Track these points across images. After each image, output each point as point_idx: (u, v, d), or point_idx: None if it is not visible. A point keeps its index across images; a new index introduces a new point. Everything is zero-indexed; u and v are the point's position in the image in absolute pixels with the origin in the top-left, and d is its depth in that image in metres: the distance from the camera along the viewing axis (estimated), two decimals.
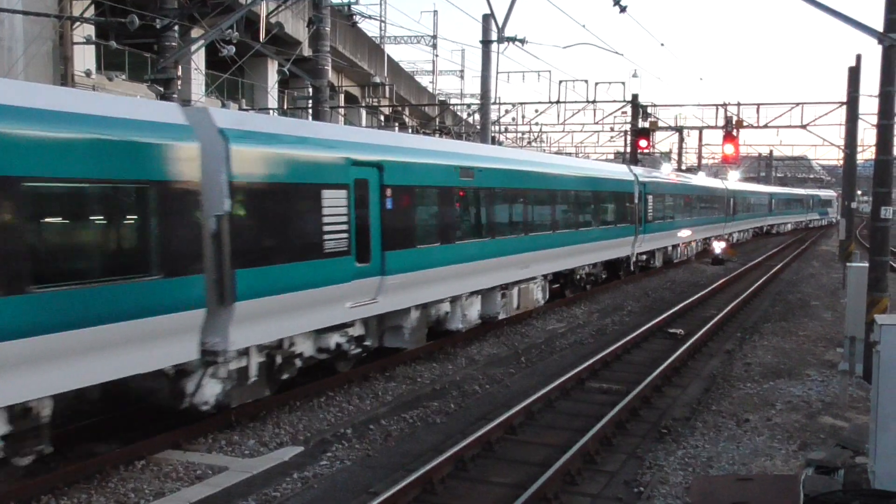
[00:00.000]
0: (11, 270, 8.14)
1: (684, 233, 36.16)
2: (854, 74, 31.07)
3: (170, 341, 10.01)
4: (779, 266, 37.35)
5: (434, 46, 68.82)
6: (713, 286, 28.28)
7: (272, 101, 35.83)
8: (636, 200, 28.56)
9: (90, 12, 21.30)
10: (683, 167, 51.87)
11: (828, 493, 7.96)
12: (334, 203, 12.65)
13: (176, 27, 17.62)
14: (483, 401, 13.31)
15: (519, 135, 54.33)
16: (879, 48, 13.63)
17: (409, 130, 50.43)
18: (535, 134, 53.61)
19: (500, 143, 47.37)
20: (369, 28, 68.77)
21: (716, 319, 20.68)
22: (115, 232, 9.49)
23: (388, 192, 14.13)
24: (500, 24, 24.75)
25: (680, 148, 54.75)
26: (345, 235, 12.89)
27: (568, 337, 19.04)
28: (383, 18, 54.51)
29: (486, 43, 25.44)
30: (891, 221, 14.19)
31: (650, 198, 30.11)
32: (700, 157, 63.08)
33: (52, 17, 20.76)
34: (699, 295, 25.71)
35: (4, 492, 8.77)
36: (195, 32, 24.35)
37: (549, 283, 22.27)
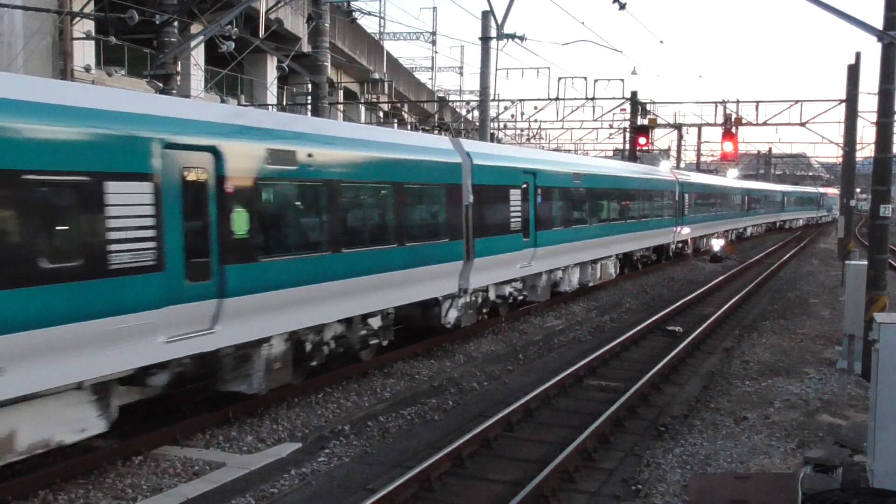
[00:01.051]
0: (396, 230, 14.41)
1: (711, 226, 43.08)
2: (853, 72, 31.10)
3: (448, 280, 16.43)
4: (777, 263, 37.36)
5: (433, 43, 68.85)
6: (712, 283, 28.29)
7: (271, 98, 35.79)
8: (676, 198, 34.79)
9: (90, 8, 21.24)
10: (682, 165, 51.88)
11: (826, 492, 7.95)
12: (517, 198, 19.04)
13: (175, 23, 17.58)
14: (481, 398, 13.30)
15: (518, 131, 54.31)
16: (879, 46, 13.62)
17: (408, 127, 50.41)
18: (535, 131, 53.57)
19: (499, 140, 47.35)
20: (368, 24, 68.56)
21: (714, 317, 20.69)
22: (432, 213, 15.92)
23: (539, 191, 20.33)
24: (499, 21, 24.73)
25: (679, 145, 54.76)
26: (519, 219, 19.11)
27: (566, 334, 19.04)
28: (382, 15, 54.50)
29: (485, 39, 25.41)
30: (890, 219, 14.19)
31: (686, 196, 36.29)
32: (699, 154, 63.15)
33: (52, 13, 20.72)
34: (698, 292, 25.72)
35: (2, 487, 8.76)
36: (194, 28, 24.30)
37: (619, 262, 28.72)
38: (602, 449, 10.76)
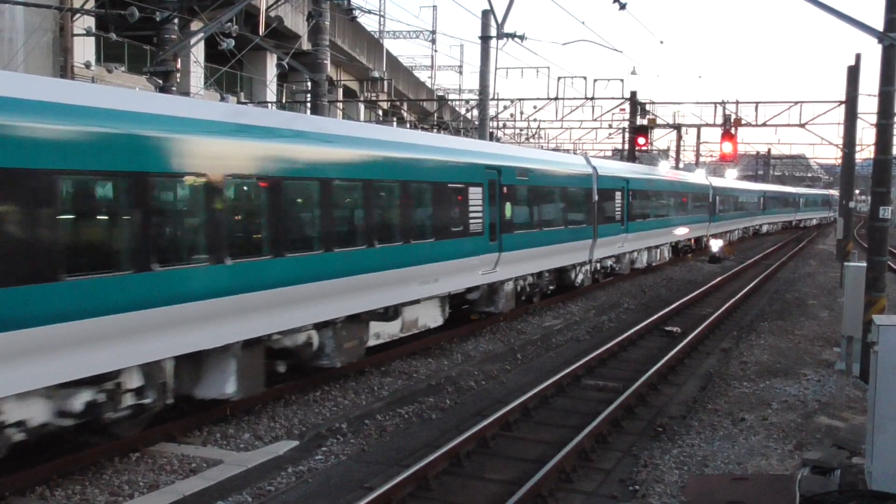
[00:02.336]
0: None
1: (735, 223, 51.64)
2: (853, 73, 31.09)
3: (583, 252, 24.03)
4: (776, 265, 37.36)
5: (433, 42, 68.84)
6: (710, 284, 28.30)
7: (271, 95, 35.75)
8: (710, 199, 42.31)
9: (90, 4, 21.21)
10: (681, 165, 51.93)
11: (824, 494, 7.95)
12: (619, 198, 27.12)
13: (175, 20, 17.56)
14: (479, 397, 13.29)
15: (517, 131, 54.29)
16: (879, 47, 13.62)
17: (407, 126, 50.36)
18: (534, 130, 53.57)
19: (499, 140, 47.33)
20: (368, 23, 68.58)
21: (712, 318, 20.68)
22: (580, 207, 23.42)
23: (632, 194, 28.44)
24: (499, 20, 24.71)
25: (678, 146, 54.70)
26: (619, 213, 27.11)
27: (564, 334, 19.03)
28: (382, 13, 54.47)
29: (485, 39, 25.40)
30: (889, 221, 14.19)
31: (717, 198, 44.24)
32: (698, 154, 63.11)
33: (53, 9, 20.68)
34: (696, 293, 25.72)
35: (0, 483, 8.74)
36: (195, 25, 24.26)
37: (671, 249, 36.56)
38: (600, 449, 10.75)
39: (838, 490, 8.38)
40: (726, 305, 22.98)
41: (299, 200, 12.10)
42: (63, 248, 8.56)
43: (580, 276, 24.52)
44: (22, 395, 8.44)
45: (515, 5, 24.21)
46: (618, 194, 26.95)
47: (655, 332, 19.42)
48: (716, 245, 41.04)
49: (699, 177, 42.54)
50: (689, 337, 17.81)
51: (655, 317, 20.53)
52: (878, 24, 13.48)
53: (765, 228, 66.49)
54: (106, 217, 9.32)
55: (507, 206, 18.43)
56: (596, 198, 24.63)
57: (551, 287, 22.85)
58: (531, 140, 55.60)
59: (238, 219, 11.01)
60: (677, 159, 54.44)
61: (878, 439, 8.29)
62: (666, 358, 15.46)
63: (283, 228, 11.55)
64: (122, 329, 9.17)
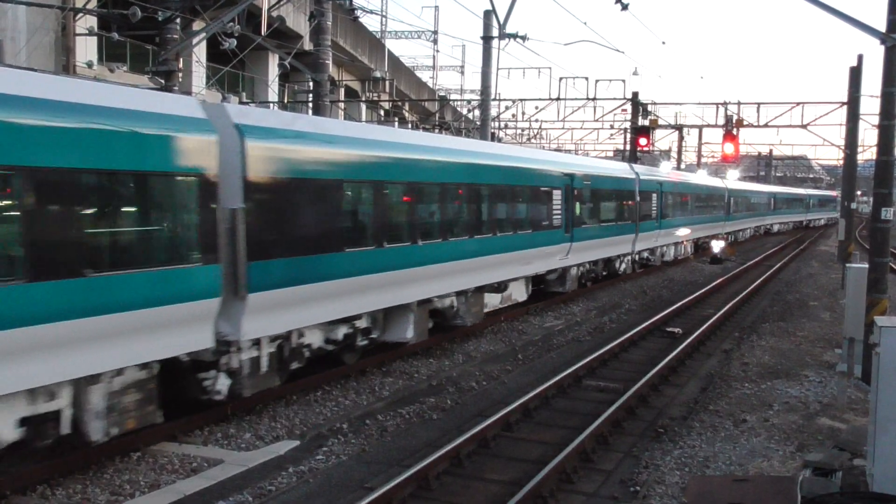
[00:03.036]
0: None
1: (748, 222, 56.72)
2: (855, 74, 31.02)
3: (627, 244, 28.67)
4: (777, 266, 37.34)
5: (435, 42, 68.75)
6: (711, 285, 28.28)
7: (272, 95, 35.75)
8: (725, 200, 46.95)
9: (93, 4, 21.23)
10: (682, 166, 51.95)
11: (825, 496, 7.94)
12: (655, 200, 31.18)
13: (178, 19, 17.55)
14: (480, 397, 13.29)
15: (519, 131, 54.26)
16: (881, 48, 13.60)
17: (409, 126, 50.38)
18: (535, 130, 53.53)
19: (500, 140, 47.30)
20: (370, 23, 68.61)
21: (714, 319, 20.67)
22: (621, 208, 27.43)
23: (665, 196, 32.80)
24: (501, 21, 24.70)
25: (680, 146, 54.64)
26: (656, 211, 31.21)
27: (565, 334, 19.02)
28: (384, 13, 54.46)
29: (486, 39, 25.39)
30: (891, 222, 14.17)
31: (732, 199, 48.74)
32: (700, 155, 63.02)
33: (56, 8, 20.69)
34: (697, 294, 25.71)
35: (0, 482, 8.75)
36: (197, 25, 24.27)
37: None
38: (600, 450, 10.75)
39: (840, 492, 8.37)
40: (728, 306, 22.96)
41: (460, 201, 16.80)
42: (346, 232, 12.91)
43: (623, 265, 29.40)
44: (311, 327, 12.44)
45: (517, 6, 24.21)
46: (654, 196, 31.49)
47: (657, 333, 19.41)
48: (717, 246, 40.99)
49: (716, 179, 47.61)
50: (691, 338, 17.80)
51: (657, 318, 20.52)
52: (881, 25, 13.47)
53: (776, 227, 71.72)
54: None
55: (577, 205, 22.98)
56: (637, 199, 29.19)
57: (603, 273, 27.55)
58: (532, 141, 55.56)
59: (428, 214, 15.60)
60: (679, 160, 54.42)
61: (879, 441, 8.28)
62: (667, 359, 15.45)
63: (451, 221, 16.29)
64: (364, 287, 13.35)
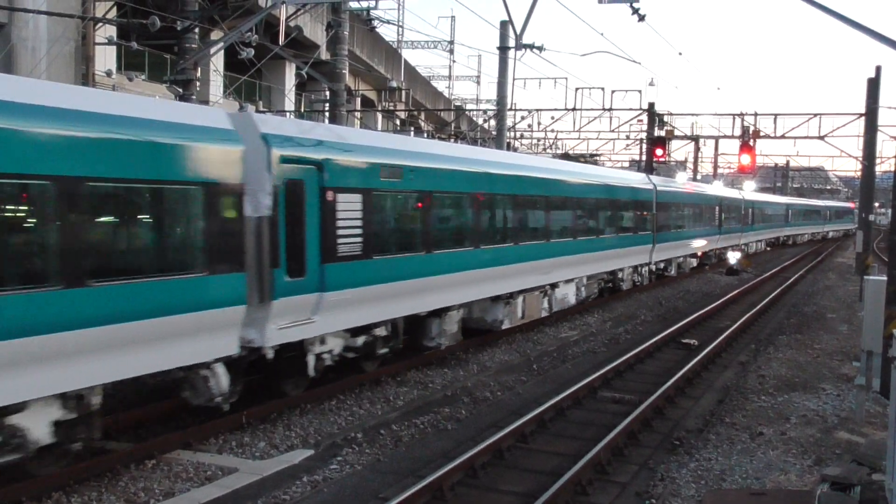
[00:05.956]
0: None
1: (765, 233, 59.93)
2: (873, 85, 30.88)
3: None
4: (794, 278, 37.09)
5: (451, 52, 68.97)
6: (727, 297, 28.12)
7: (289, 104, 35.93)
8: (742, 212, 48.97)
9: (113, 13, 21.43)
10: (698, 177, 51.82)
11: None
12: (717, 211, 39.56)
13: (196, 29, 17.70)
14: (494, 408, 13.25)
15: (534, 141, 54.27)
16: None
17: (425, 135, 50.44)
18: (551, 141, 53.52)
19: (516, 150, 47.32)
20: (387, 33, 68.89)
21: (730, 330, 20.54)
22: (694, 217, 35.81)
23: (723, 209, 41.06)
24: (517, 31, 24.72)
25: (696, 157, 54.53)
26: (717, 221, 39.52)
27: (580, 345, 18.95)
28: (401, 23, 54.66)
29: (503, 49, 25.45)
30: None
31: (751, 210, 51.09)
32: (716, 166, 62.81)
33: (76, 18, 20.90)
34: (713, 305, 25.56)
35: (16, 488, 8.79)
36: (215, 35, 24.46)
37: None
38: (616, 462, 10.68)
39: None
40: (744, 318, 22.82)
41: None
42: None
43: (684, 267, 36.36)
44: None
45: (534, 16, 24.26)
46: (716, 209, 38.31)
47: (672, 345, 19.30)
48: (733, 257, 40.77)
49: (737, 193, 50.50)
50: (706, 349, 17.69)
51: (672, 329, 20.42)
52: None
53: (793, 239, 73.77)
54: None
55: (660, 214, 29.59)
56: (701, 210, 36.22)
57: (666, 272, 33.10)
58: (548, 151, 55.53)
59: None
60: (695, 170, 54.24)
61: None
62: (683, 370, 15.35)
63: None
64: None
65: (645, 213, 28.67)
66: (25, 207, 8.36)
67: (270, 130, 11.33)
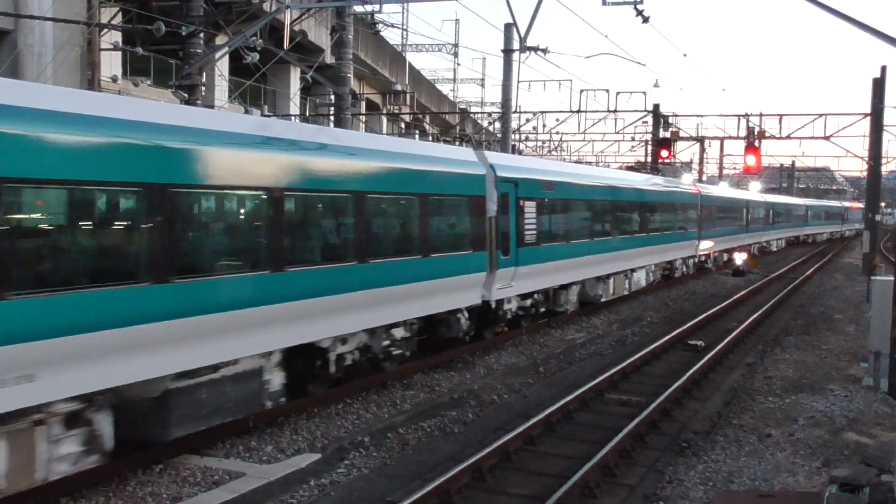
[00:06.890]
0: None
1: (785, 232, 64.61)
2: (879, 86, 30.81)
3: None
4: (801, 278, 37.00)
5: (455, 55, 69.03)
6: (734, 298, 28.06)
7: (294, 108, 35.99)
8: (763, 213, 53.60)
9: (118, 19, 21.50)
10: (704, 178, 51.73)
11: None
12: (744, 213, 45.55)
13: (201, 34, 17.74)
14: (501, 411, 13.24)
15: (539, 143, 54.25)
16: None
17: (430, 138, 50.49)
18: (556, 143, 53.49)
19: (521, 152, 47.33)
20: (391, 36, 68.93)
21: (737, 332, 20.49)
22: (729, 219, 42.54)
23: (750, 211, 47.03)
24: (522, 34, 24.70)
25: (701, 158, 54.40)
26: (743, 222, 45.34)
27: (587, 347, 18.93)
28: (405, 27, 54.71)
29: (507, 52, 25.44)
30: None
31: (771, 211, 55.73)
32: (721, 167, 62.73)
33: (81, 24, 20.96)
34: (720, 307, 25.51)
35: (23, 493, 8.80)
36: (220, 39, 24.52)
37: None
38: (623, 464, 10.66)
39: None
40: (750, 319, 22.77)
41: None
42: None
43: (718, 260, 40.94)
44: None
45: (538, 19, 24.28)
46: (744, 210, 44.51)
47: (679, 346, 19.27)
48: (739, 258, 40.70)
49: (757, 195, 54.36)
50: (714, 351, 17.66)
51: (679, 330, 20.38)
52: None
53: (811, 238, 78.62)
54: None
55: (703, 215, 34.50)
56: (732, 212, 41.44)
57: (705, 266, 37.77)
58: (553, 153, 55.52)
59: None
60: (700, 172, 54.15)
61: None
62: (690, 372, 15.33)
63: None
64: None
65: (692, 214, 33.80)
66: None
67: (494, 161, 17.44)
